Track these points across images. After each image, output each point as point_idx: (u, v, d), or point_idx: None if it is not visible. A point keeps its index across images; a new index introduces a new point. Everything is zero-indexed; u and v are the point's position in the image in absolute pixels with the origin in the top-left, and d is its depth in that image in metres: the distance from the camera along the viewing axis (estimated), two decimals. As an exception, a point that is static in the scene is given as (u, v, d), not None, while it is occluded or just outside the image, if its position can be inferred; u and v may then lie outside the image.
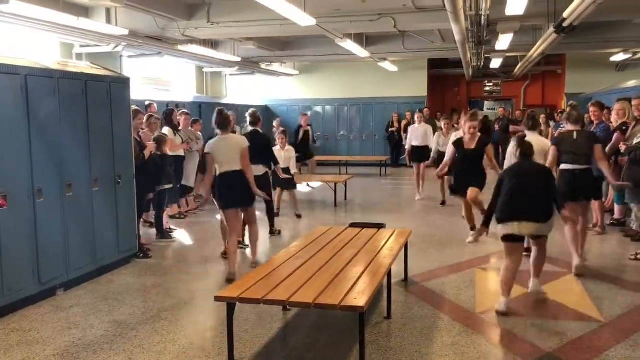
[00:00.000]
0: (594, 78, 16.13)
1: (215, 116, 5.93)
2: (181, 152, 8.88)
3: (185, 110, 9.94)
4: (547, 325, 4.56)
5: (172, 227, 8.40)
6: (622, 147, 6.71)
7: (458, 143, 7.38)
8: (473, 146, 7.23)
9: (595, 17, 8.55)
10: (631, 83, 12.26)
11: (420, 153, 11.14)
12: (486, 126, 7.67)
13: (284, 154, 9.35)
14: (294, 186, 9.62)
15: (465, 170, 7.30)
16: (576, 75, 17.15)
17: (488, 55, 14.56)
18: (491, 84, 21.31)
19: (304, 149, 13.02)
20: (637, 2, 8.80)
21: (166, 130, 8.55)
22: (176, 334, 4.49)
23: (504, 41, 10.91)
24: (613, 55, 14.96)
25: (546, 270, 5.96)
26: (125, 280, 5.99)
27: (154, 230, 7.95)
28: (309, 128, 13.39)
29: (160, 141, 7.47)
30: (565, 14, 7.71)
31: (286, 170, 8.91)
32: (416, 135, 11.34)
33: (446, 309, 4.98)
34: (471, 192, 7.18)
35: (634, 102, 7.00)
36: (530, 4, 7.27)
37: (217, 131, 5.96)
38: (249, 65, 15.57)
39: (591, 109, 7.82)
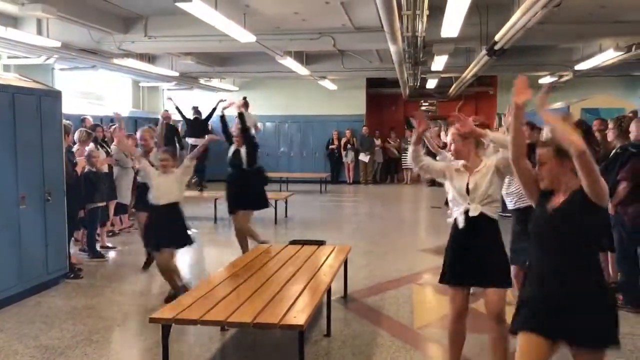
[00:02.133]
0: (524, 99, 16.86)
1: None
2: (105, 169, 8.61)
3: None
4: (482, 340, 4.66)
5: (109, 245, 8.13)
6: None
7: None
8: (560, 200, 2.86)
9: (525, 42, 8.97)
10: (557, 105, 12.91)
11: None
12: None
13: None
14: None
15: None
16: (507, 96, 17.85)
17: (424, 76, 14.96)
18: (427, 104, 21.89)
19: None
20: (562, 29, 9.30)
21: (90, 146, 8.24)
22: (108, 357, 4.30)
23: (439, 62, 11.25)
24: (541, 78, 15.71)
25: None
26: (54, 302, 5.70)
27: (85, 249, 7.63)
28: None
29: (91, 156, 7.21)
30: (496, 38, 8.04)
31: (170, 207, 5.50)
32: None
33: (385, 325, 5.01)
34: None
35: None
36: (464, 27, 7.52)
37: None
38: (188, 80, 15.36)
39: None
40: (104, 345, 4.54)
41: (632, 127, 5.30)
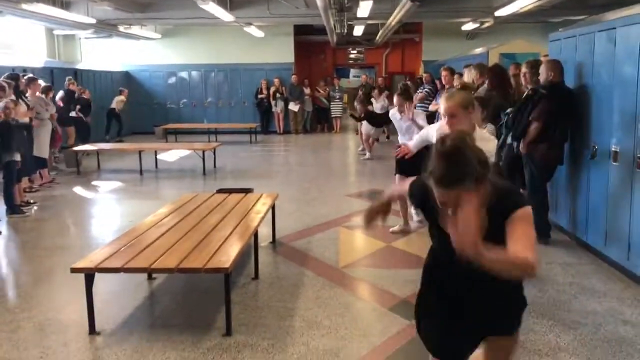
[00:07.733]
0: (448, 46, 17.21)
1: None
2: (27, 120, 8.24)
3: (32, 76, 9.17)
4: (402, 274, 4.92)
5: (30, 200, 7.83)
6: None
7: None
8: None
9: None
10: (478, 50, 13.27)
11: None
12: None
13: None
14: None
15: None
16: (432, 43, 18.18)
17: (351, 23, 14.93)
18: (355, 52, 21.93)
19: None
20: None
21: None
22: (31, 310, 4.23)
23: (364, 8, 11.25)
24: (464, 25, 16.03)
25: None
26: (-30, 260, 5.50)
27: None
28: None
29: (6, 108, 6.85)
30: (418, -17, 8.13)
31: None
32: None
33: (311, 265, 5.17)
34: None
35: (442, 73, 8.37)
36: (387, -28, 7.54)
37: None
38: (106, 27, 14.59)
39: (443, 73, 8.44)
40: (27, 300, 4.45)
41: (542, 69, 5.56)
